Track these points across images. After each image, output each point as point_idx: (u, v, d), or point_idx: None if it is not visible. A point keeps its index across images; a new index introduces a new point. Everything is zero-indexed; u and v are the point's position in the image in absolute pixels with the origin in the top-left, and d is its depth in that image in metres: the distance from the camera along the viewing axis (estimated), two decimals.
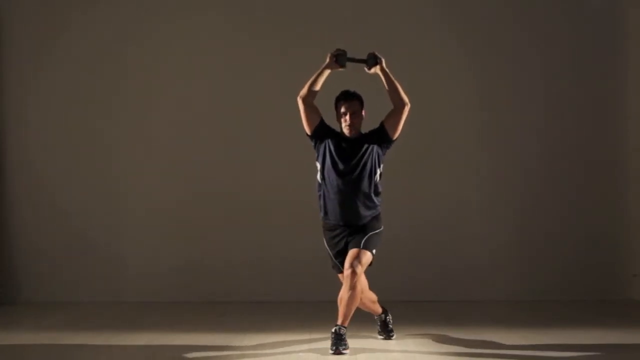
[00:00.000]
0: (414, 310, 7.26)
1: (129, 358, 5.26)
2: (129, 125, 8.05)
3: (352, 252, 5.30)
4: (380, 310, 5.76)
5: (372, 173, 5.37)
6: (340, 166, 5.35)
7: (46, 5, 8.10)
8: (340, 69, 5.45)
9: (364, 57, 5.46)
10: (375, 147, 5.40)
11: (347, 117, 5.38)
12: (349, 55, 5.44)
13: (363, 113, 5.45)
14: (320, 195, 5.45)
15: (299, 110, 5.47)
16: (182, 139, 8.02)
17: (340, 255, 5.43)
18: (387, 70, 5.44)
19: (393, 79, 5.43)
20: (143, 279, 7.95)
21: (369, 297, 5.61)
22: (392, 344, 5.59)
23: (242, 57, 8.01)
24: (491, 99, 8.04)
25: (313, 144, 5.49)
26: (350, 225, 5.38)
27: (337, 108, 5.44)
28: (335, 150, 5.37)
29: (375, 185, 5.40)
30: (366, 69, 5.49)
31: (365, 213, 5.37)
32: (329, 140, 5.40)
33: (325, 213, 5.44)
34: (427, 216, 7.94)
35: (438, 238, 7.93)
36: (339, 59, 5.41)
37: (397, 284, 7.73)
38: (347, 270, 5.24)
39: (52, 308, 7.49)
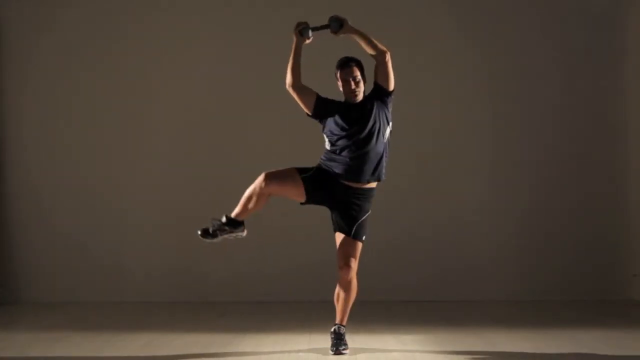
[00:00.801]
0: (414, 310, 7.27)
1: (129, 358, 5.26)
2: (130, 125, 8.06)
3: (344, 243, 5.22)
4: (241, 216, 5.28)
5: (381, 131, 5.23)
6: (349, 129, 5.19)
7: (46, 5, 8.10)
8: (308, 41, 5.31)
9: (326, 22, 5.30)
10: (379, 104, 5.26)
11: (349, 83, 5.25)
12: (311, 25, 5.29)
13: (364, 76, 5.31)
14: (327, 158, 5.26)
15: (293, 99, 5.33)
16: (182, 139, 8.03)
17: (310, 187, 5.16)
18: (354, 27, 5.29)
19: (364, 33, 5.27)
20: (143, 278, 7.95)
21: (250, 205, 5.25)
22: (392, 344, 5.57)
23: (243, 59, 8.01)
24: (491, 100, 8.04)
25: (318, 120, 5.34)
26: (348, 190, 5.21)
27: (338, 77, 5.30)
28: (341, 117, 5.23)
29: (385, 145, 5.27)
30: (333, 34, 5.33)
31: (372, 169, 5.19)
32: (334, 111, 5.25)
33: (330, 169, 5.22)
34: (427, 216, 7.94)
35: (438, 238, 7.93)
36: (303, 32, 5.28)
37: (398, 284, 7.73)
38: (341, 266, 5.20)
39: (52, 308, 7.49)
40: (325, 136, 5.33)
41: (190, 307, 7.52)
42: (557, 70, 8.04)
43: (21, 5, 8.08)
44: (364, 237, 5.30)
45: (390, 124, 5.32)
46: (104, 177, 8.04)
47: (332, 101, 5.32)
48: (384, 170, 5.29)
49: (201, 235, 5.38)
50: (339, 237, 5.29)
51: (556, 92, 8.04)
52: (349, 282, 5.22)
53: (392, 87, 5.32)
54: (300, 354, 5.24)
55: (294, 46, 5.28)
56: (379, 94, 5.30)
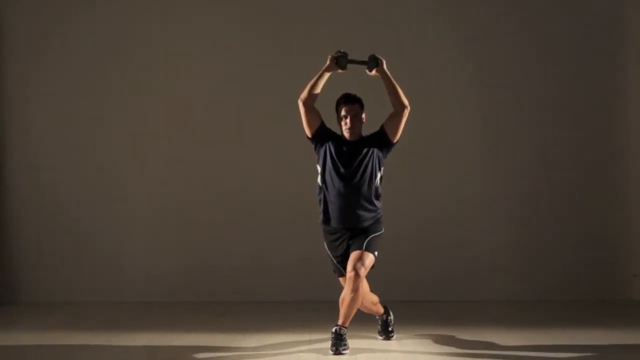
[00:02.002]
0: (414, 310, 7.26)
1: (129, 358, 5.26)
2: (130, 125, 8.05)
3: (354, 254, 5.29)
4: (382, 310, 5.75)
5: (373, 176, 5.37)
6: (341, 169, 5.34)
7: (46, 6, 8.10)
8: (341, 71, 5.45)
9: (365, 58, 5.45)
10: (376, 150, 5.39)
11: (348, 120, 5.38)
12: (350, 57, 5.43)
13: (364, 116, 5.46)
14: (320, 200, 5.44)
15: (299, 113, 5.47)
16: (183, 140, 8.02)
17: (342, 259, 5.41)
18: (387, 72, 5.43)
19: (394, 81, 5.43)
20: (143, 278, 7.95)
21: (370, 300, 5.60)
22: (392, 343, 5.59)
23: (243, 59, 8.00)
24: (492, 100, 8.03)
25: (313, 146, 5.50)
26: (350, 229, 5.38)
27: (338, 111, 5.44)
28: (336, 153, 5.37)
29: (376, 189, 5.40)
30: (367, 71, 5.49)
31: (366, 216, 5.36)
32: (330, 144, 5.40)
33: (327, 218, 5.41)
34: (427, 216, 7.93)
35: (438, 238, 7.92)
36: (340, 61, 5.40)
37: (398, 284, 7.72)
38: (350, 273, 5.23)
39: (52, 308, 7.49)
40: (318, 167, 5.44)
41: (190, 307, 7.52)
42: (557, 71, 8.02)
43: (22, 5, 8.07)
44: (375, 252, 5.35)
45: (382, 169, 5.44)
46: (103, 177, 8.03)
47: (334, 133, 5.47)
48: (379, 211, 5.42)
49: (392, 337, 5.81)
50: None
51: (556, 92, 8.03)
52: (356, 289, 5.23)
53: (396, 139, 5.47)
54: (300, 354, 5.24)
55: (323, 68, 5.41)
56: (381, 141, 5.42)
